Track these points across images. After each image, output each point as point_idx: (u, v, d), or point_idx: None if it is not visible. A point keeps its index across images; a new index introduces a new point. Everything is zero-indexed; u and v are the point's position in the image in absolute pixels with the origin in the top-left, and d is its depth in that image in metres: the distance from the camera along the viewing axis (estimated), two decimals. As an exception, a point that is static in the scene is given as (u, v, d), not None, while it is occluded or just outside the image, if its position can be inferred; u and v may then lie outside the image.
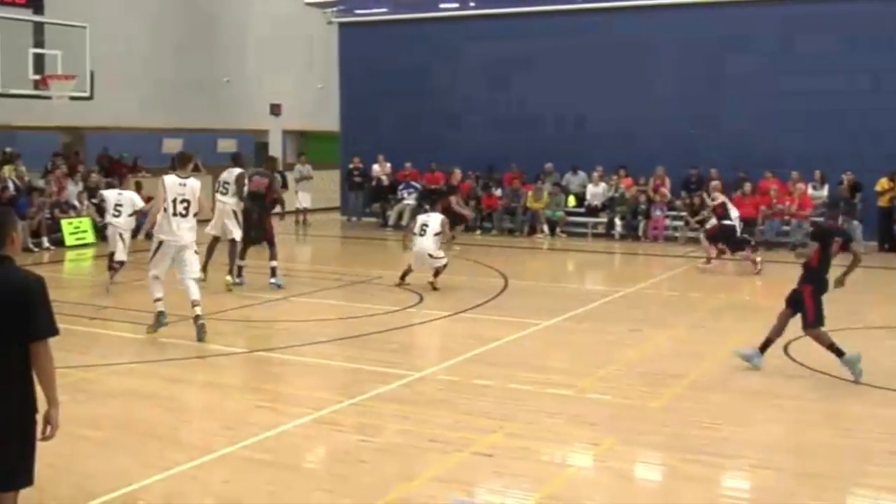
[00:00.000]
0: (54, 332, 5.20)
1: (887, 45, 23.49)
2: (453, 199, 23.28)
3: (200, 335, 11.83)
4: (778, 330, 10.73)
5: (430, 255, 16.14)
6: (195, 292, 12.03)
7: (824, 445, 8.24)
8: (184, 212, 12.02)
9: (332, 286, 17.09)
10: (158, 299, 12.18)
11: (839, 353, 10.23)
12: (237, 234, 16.17)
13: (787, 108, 24.16)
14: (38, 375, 5.19)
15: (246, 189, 16.20)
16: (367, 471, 7.46)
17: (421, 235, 16.22)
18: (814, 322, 10.41)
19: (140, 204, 16.90)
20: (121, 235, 16.48)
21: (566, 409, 9.14)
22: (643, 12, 26.37)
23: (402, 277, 16.51)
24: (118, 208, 16.68)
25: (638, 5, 26.54)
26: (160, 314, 12.16)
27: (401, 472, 7.39)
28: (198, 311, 11.97)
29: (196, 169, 27.19)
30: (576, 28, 26.71)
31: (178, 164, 12.51)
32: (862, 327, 13.27)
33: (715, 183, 21.40)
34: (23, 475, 5.29)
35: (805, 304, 10.43)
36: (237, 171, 16.35)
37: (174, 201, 11.98)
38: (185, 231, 12.02)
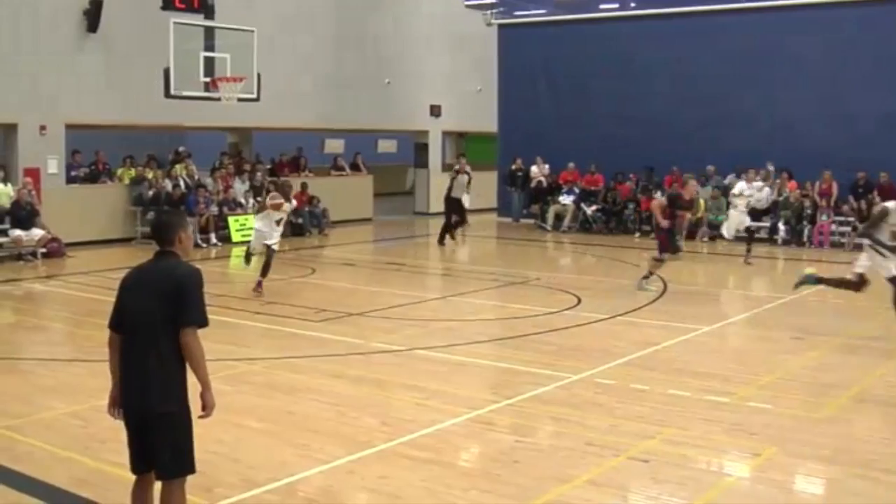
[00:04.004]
0: (203, 322, 5.53)
1: None
2: None
3: None
4: None
5: None
6: None
7: None
8: None
9: (491, 286, 17.16)
10: None
11: None
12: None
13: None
14: (188, 361, 5.50)
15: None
16: (523, 471, 7.46)
17: None
18: None
19: None
20: None
21: (725, 417, 8.95)
22: (784, 12, 25.85)
23: None
24: None
25: (772, 6, 26.16)
26: None
27: (556, 475, 7.37)
28: None
29: (357, 169, 28.12)
30: (730, 27, 26.24)
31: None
32: None
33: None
34: (189, 462, 5.60)
35: None
36: None
37: None
38: None
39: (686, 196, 16.67)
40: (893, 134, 23.59)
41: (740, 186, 20.85)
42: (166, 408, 5.46)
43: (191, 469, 5.62)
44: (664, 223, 16.10)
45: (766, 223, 24.68)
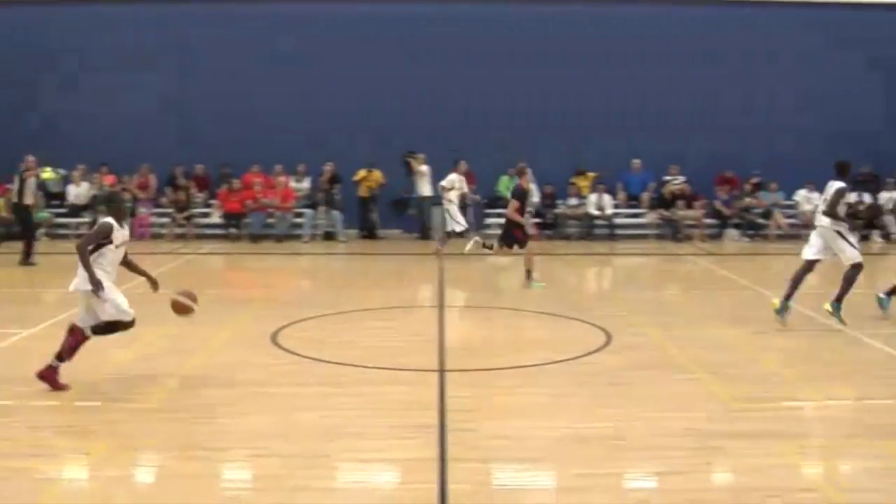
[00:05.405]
0: None
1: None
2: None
3: None
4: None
5: None
6: None
7: (313, 427, 8.58)
8: None
9: None
10: None
11: None
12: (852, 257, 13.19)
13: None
14: None
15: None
16: None
17: None
18: None
19: None
20: None
21: (54, 421, 8.78)
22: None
23: None
24: None
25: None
26: None
27: None
28: None
29: None
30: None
31: None
32: (337, 312, 14.07)
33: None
34: None
35: None
36: (838, 184, 13.18)
37: None
38: None
39: (526, 186, 17.01)
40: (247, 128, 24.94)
41: (451, 179, 20.83)
42: None
43: None
44: (521, 219, 16.55)
45: (88, 218, 24.45)
